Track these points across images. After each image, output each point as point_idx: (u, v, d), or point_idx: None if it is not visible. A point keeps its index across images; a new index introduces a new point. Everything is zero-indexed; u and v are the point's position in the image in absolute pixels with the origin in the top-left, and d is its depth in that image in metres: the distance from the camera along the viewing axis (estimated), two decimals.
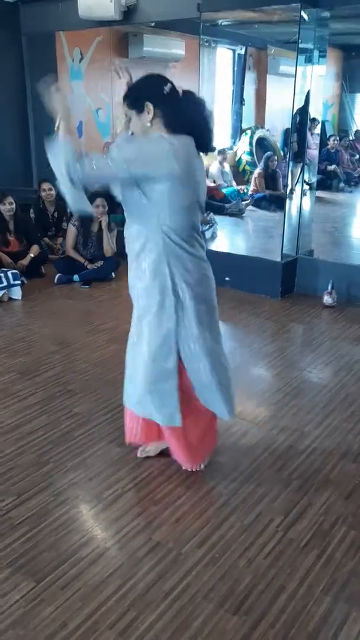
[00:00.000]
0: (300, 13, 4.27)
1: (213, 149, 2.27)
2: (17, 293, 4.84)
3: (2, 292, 4.76)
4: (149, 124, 2.11)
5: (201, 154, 2.21)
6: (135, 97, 2.13)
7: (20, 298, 4.83)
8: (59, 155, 2.04)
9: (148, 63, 7.71)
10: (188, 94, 2.16)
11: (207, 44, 5.54)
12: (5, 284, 4.77)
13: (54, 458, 2.69)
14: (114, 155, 2.06)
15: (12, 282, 4.81)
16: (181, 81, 7.18)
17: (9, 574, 2.04)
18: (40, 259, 5.46)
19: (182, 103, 2.13)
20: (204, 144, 2.19)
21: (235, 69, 8.88)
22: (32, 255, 5.34)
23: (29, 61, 6.24)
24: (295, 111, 4.65)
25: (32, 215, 6.00)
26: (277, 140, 9.35)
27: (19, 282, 4.86)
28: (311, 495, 2.46)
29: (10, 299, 4.81)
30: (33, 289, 5.02)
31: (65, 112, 2.10)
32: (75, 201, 2.12)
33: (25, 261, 5.29)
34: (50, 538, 2.21)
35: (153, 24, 6.22)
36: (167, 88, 2.10)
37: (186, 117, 2.11)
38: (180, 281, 2.22)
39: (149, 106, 2.09)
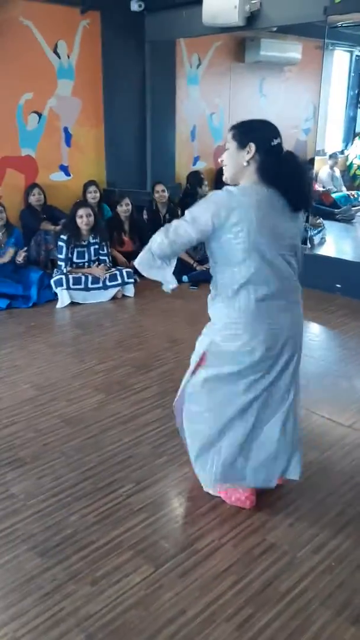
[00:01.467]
0: None
1: (310, 206, 2.25)
2: (130, 291, 5.04)
3: (117, 289, 4.98)
4: (245, 163, 2.10)
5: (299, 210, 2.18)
6: (244, 133, 2.12)
7: (133, 296, 5.02)
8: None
9: (264, 67, 7.73)
10: (290, 153, 2.14)
11: (327, 47, 5.44)
12: (119, 281, 4.99)
13: (169, 451, 2.78)
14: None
15: (126, 280, 5.01)
16: (297, 84, 7.15)
17: (131, 556, 2.15)
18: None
19: (281, 158, 2.11)
20: (300, 201, 2.15)
21: (352, 70, 8.68)
22: None
23: (150, 67, 6.44)
24: None
25: (144, 216, 6.21)
26: None
27: (132, 280, 5.05)
28: None
29: (124, 296, 5.02)
30: (145, 288, 5.18)
31: None
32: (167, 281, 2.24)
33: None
34: (168, 527, 2.30)
35: (275, 29, 6.21)
36: (275, 141, 2.10)
37: (281, 172, 2.09)
38: None
39: (252, 147, 2.08)
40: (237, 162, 2.12)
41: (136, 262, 2.27)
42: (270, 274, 2.11)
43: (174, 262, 2.24)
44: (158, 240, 2.14)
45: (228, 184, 2.17)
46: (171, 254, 2.17)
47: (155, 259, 2.18)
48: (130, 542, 2.21)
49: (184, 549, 2.18)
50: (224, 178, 2.20)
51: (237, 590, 2.01)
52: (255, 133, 2.11)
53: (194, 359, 2.34)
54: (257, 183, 2.10)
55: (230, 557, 2.15)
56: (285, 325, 2.17)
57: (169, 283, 2.26)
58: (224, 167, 2.19)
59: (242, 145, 2.10)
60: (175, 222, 2.13)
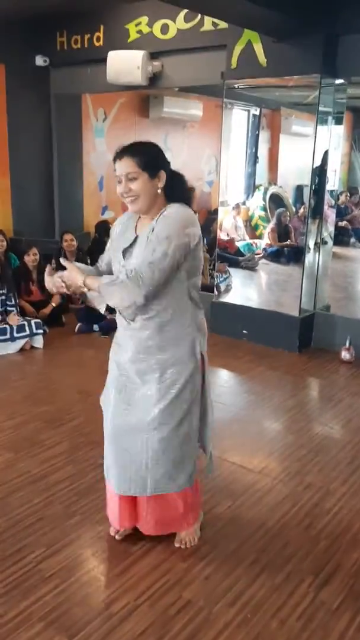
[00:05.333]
0: (320, 82, 4.52)
1: None
2: (39, 342, 4.94)
3: (25, 340, 4.86)
4: (159, 191, 2.13)
5: None
6: (152, 162, 2.11)
7: (42, 347, 4.91)
8: (113, 295, 2.09)
9: (167, 123, 8.07)
10: (175, 172, 2.21)
11: (226, 106, 5.79)
12: (27, 332, 4.87)
13: (81, 510, 2.71)
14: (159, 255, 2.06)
15: (34, 330, 4.91)
16: (199, 139, 7.52)
17: (42, 628, 2.04)
18: (61, 309, 5.59)
19: (175, 177, 2.20)
20: None
21: (250, 128, 9.27)
22: (53, 304, 5.48)
23: (57, 120, 6.55)
24: (313, 169, 4.86)
25: (53, 265, 6.16)
26: (289, 196, 9.65)
27: (41, 331, 4.96)
28: (340, 555, 2.46)
29: (32, 347, 4.90)
30: (54, 338, 5.11)
31: (79, 273, 2.17)
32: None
33: (47, 310, 5.42)
34: (81, 592, 2.21)
35: (177, 89, 6.54)
36: (169, 161, 2.19)
37: (180, 190, 2.19)
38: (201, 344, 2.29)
39: (162, 174, 2.12)
40: (152, 191, 2.11)
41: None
42: None
43: None
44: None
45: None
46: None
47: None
48: (41, 613, 2.10)
49: (98, 615, 2.11)
50: (136, 209, 2.15)
51: None
52: (160, 159, 2.15)
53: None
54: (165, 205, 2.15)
55: (147, 618, 2.10)
56: None
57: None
58: (132, 199, 2.11)
59: (153, 174, 2.10)
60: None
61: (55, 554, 2.40)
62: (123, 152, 2.11)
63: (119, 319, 2.29)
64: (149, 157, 2.12)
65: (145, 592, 2.22)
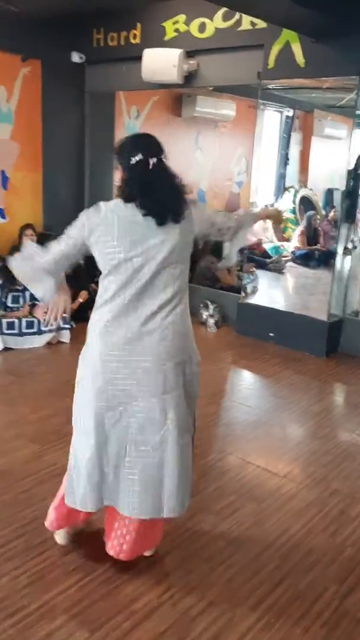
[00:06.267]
0: (359, 83, 4.46)
1: (179, 219, 2.06)
2: (65, 336, 4.98)
3: (52, 334, 4.89)
4: (118, 183, 2.13)
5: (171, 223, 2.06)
6: (116, 155, 2.12)
7: (68, 341, 4.95)
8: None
9: (200, 122, 8.06)
10: (163, 167, 2.08)
11: (259, 107, 5.76)
12: (55, 327, 4.91)
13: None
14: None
15: (61, 325, 4.94)
16: (230, 139, 7.48)
17: (64, 622, 2.04)
18: (87, 304, 5.61)
19: (141, 174, 2.04)
20: (158, 215, 2.03)
21: (282, 130, 9.20)
22: (80, 300, 5.50)
23: (90, 116, 6.57)
24: (348, 173, 4.79)
25: (81, 261, 6.19)
26: (319, 199, 9.56)
27: (68, 325, 4.99)
28: None
29: (59, 341, 4.93)
30: (81, 333, 5.12)
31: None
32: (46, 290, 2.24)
33: (74, 305, 5.44)
34: (104, 588, 2.21)
35: (211, 88, 6.52)
36: (134, 159, 2.03)
37: (135, 189, 2.04)
38: None
39: (119, 167, 2.10)
40: (116, 182, 2.14)
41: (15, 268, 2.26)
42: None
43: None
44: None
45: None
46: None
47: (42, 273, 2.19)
48: (64, 606, 2.11)
49: (120, 611, 2.11)
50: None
51: None
52: (120, 153, 2.11)
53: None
54: (120, 200, 2.08)
55: (169, 618, 2.09)
56: None
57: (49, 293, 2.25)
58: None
59: (117, 166, 2.12)
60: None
61: (79, 547, 2.41)
62: None
63: None
64: (116, 151, 2.12)
65: (167, 592, 2.22)
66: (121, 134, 7.14)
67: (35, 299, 5.00)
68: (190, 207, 2.13)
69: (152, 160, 2.04)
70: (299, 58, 4.70)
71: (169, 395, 2.08)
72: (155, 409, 2.08)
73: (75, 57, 6.19)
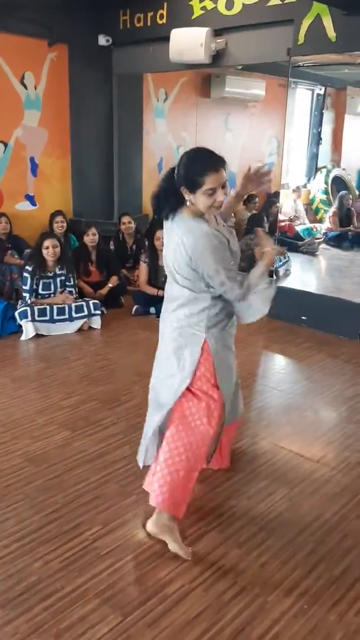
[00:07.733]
0: None
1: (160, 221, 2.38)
2: (97, 322, 4.98)
3: (83, 320, 4.91)
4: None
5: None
6: None
7: (99, 327, 4.96)
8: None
9: (229, 103, 7.92)
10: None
11: (290, 85, 5.61)
12: (86, 313, 4.92)
13: (137, 490, 2.71)
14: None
15: (92, 311, 4.95)
16: (261, 120, 7.33)
17: (97, 605, 2.06)
18: (118, 290, 5.61)
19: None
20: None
21: (314, 108, 8.98)
22: (110, 285, 5.50)
23: (117, 100, 6.52)
24: None
25: (111, 247, 6.19)
26: (353, 179, 9.32)
27: (99, 311, 5.00)
28: None
29: (90, 327, 4.95)
30: (112, 319, 5.15)
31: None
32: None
33: (104, 291, 5.45)
34: (136, 572, 2.22)
35: (240, 67, 6.38)
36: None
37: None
38: None
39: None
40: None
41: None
42: None
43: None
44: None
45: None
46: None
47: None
48: (96, 590, 2.12)
49: (153, 595, 2.11)
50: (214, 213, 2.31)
51: (208, 638, 1.94)
52: None
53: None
54: None
55: (201, 602, 2.09)
56: None
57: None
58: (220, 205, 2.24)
59: None
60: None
61: (111, 532, 2.42)
62: (223, 163, 2.16)
63: None
64: None
65: (199, 576, 2.21)
66: (150, 117, 7.09)
67: (68, 286, 5.02)
68: None
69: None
70: (330, 32, 4.54)
71: None
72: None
73: (102, 40, 6.14)
